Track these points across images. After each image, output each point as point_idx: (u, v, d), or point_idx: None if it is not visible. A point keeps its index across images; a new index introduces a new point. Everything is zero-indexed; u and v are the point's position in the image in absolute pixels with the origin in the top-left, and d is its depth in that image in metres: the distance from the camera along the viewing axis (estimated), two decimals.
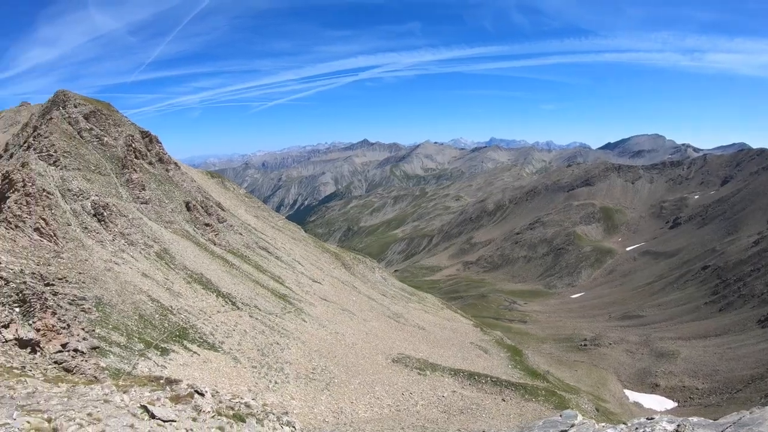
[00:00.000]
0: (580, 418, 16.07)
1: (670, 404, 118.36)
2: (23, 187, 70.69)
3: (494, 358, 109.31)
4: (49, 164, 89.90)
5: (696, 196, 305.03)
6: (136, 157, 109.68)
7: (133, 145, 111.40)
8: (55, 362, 32.65)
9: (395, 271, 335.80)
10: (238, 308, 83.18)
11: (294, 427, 20.46)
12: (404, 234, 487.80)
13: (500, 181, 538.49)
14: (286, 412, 22.02)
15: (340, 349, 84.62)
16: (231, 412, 19.95)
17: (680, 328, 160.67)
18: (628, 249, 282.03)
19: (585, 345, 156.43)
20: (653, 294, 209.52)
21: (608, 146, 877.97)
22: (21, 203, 68.14)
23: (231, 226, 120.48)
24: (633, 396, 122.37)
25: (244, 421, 19.35)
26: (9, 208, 66.90)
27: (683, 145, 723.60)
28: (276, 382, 65.93)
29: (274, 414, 20.71)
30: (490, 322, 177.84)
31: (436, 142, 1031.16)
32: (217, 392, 22.53)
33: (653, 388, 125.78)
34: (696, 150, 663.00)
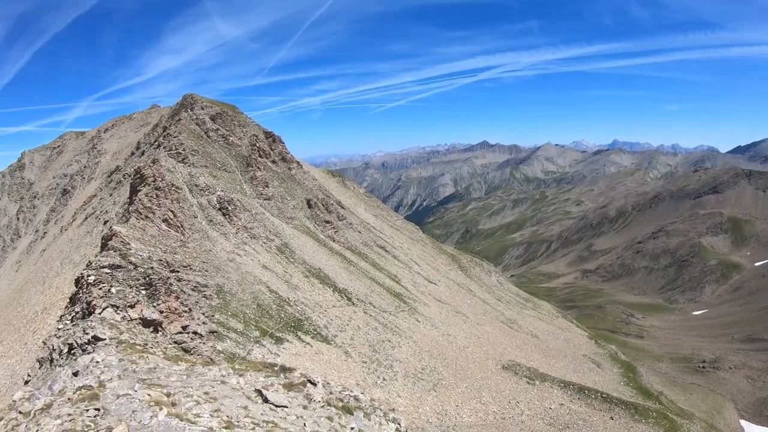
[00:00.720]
0: None
1: None
2: (153, 181, 75.17)
3: (606, 373, 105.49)
4: (178, 161, 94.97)
5: None
6: (260, 156, 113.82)
7: (257, 144, 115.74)
8: (175, 342, 34.48)
9: (511, 276, 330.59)
10: (353, 304, 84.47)
11: (399, 424, 20.49)
12: (522, 238, 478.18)
13: (623, 186, 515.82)
14: (393, 409, 22.11)
15: (451, 352, 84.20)
16: (340, 404, 20.21)
17: None
18: (757, 264, 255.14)
19: (703, 367, 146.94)
20: None
21: (738, 150, 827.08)
22: (151, 196, 72.42)
23: (350, 224, 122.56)
24: (750, 428, 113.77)
25: (352, 414, 19.57)
26: (140, 200, 71.24)
27: None
28: (384, 379, 66.50)
29: (381, 410, 20.83)
30: (605, 335, 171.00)
31: (556, 144, 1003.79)
32: (328, 383, 22.85)
33: None
34: None
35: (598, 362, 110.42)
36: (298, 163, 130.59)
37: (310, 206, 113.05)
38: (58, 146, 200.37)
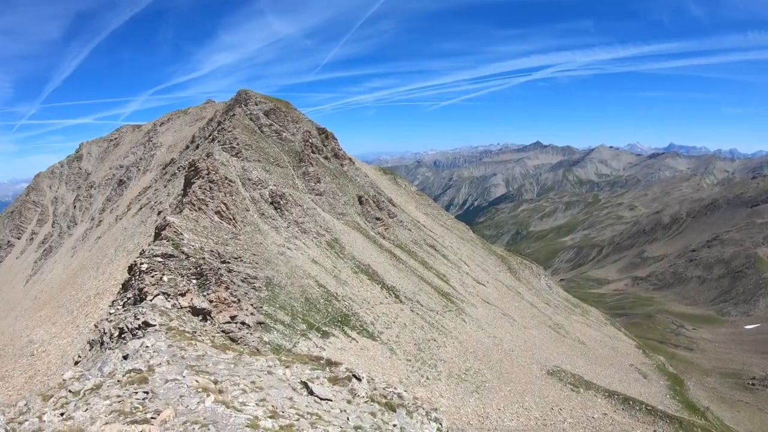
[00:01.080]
0: None
1: None
2: (207, 174, 76.40)
3: (653, 384, 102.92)
4: (232, 155, 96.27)
5: None
6: (312, 152, 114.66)
7: (310, 140, 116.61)
8: (223, 331, 34.91)
9: (561, 280, 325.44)
10: (401, 302, 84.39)
11: (440, 424, 20.36)
12: (573, 242, 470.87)
13: (678, 192, 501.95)
14: (435, 409, 21.96)
15: (496, 354, 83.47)
16: (383, 400, 20.19)
17: None
18: None
19: (753, 384, 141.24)
20: None
21: None
22: (205, 189, 73.60)
23: (401, 221, 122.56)
24: None
25: (395, 411, 19.52)
26: (194, 192, 72.44)
27: None
28: (428, 378, 66.28)
29: (423, 408, 20.73)
30: (653, 345, 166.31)
31: (611, 147, 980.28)
32: (372, 379, 22.86)
33: None
34: None
35: (644, 373, 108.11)
36: (350, 159, 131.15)
37: (361, 203, 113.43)
38: (115, 138, 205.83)
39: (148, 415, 13.85)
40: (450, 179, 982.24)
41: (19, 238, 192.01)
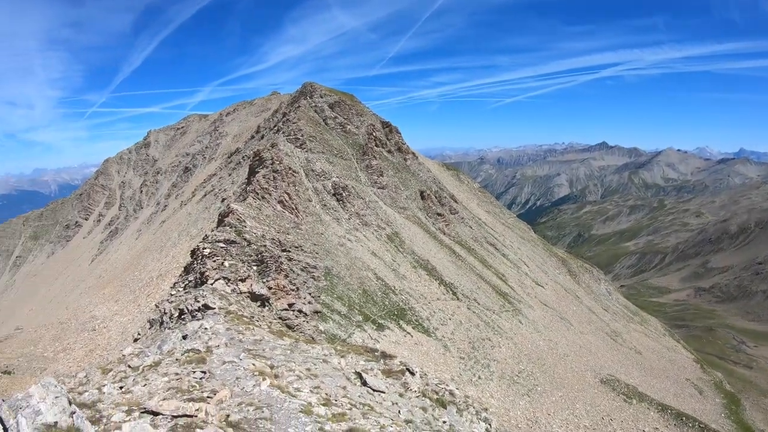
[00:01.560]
0: None
1: None
2: (271, 164, 77.41)
3: (708, 402, 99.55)
4: (296, 146, 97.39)
5: None
6: (376, 145, 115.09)
7: (374, 133, 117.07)
8: (280, 318, 35.28)
9: (621, 286, 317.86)
10: (458, 299, 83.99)
11: (490, 425, 20.15)
12: (636, 248, 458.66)
13: (747, 200, 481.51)
14: (485, 409, 21.76)
15: (551, 358, 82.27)
16: (435, 396, 20.14)
17: None
18: None
19: None
20: None
21: None
22: (268, 178, 74.60)
23: (462, 218, 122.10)
24: None
25: (445, 408, 19.43)
26: (257, 181, 73.51)
27: None
28: (480, 378, 65.79)
29: (474, 408, 20.56)
30: (711, 360, 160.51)
31: (679, 150, 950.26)
32: (425, 374, 22.86)
33: None
34: None
35: (700, 389, 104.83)
36: (413, 154, 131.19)
37: (423, 198, 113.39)
38: (182, 127, 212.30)
39: (205, 394, 14.05)
40: (513, 177, 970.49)
41: (86, 219, 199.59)
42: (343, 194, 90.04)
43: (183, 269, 42.78)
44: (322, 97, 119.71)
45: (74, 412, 10.15)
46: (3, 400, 9.79)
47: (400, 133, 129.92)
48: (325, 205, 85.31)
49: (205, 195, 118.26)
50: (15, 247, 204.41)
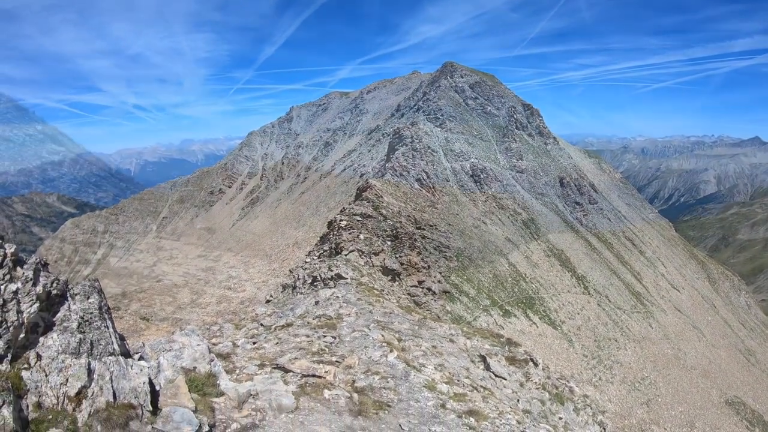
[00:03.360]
0: None
1: None
2: (411, 142, 78.40)
3: None
4: (436, 126, 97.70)
5: None
6: (516, 128, 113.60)
7: (515, 116, 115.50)
8: (408, 294, 35.74)
9: (762, 300, 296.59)
10: (589, 293, 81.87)
11: (604, 429, 19.69)
12: None
13: None
14: (603, 412, 21.29)
15: (676, 369, 78.40)
16: (554, 391, 19.87)
17: None
18: None
19: None
20: None
21: None
22: (407, 156, 75.60)
23: (601, 209, 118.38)
24: None
25: (563, 404, 19.13)
26: (396, 158, 74.63)
27: None
28: (600, 379, 64.00)
29: (591, 408, 20.18)
30: None
31: None
32: (547, 367, 22.59)
33: None
34: None
35: None
36: (554, 138, 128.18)
37: (562, 185, 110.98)
38: (323, 104, 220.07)
39: (334, 359, 14.54)
40: (657, 169, 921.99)
41: (229, 187, 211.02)
42: (481, 176, 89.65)
43: (319, 239, 44.26)
44: (462, 77, 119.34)
45: (212, 360, 10.76)
46: (144, 343, 10.55)
47: (541, 117, 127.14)
48: (462, 186, 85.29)
49: (344, 169, 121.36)
50: (163, 209, 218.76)
